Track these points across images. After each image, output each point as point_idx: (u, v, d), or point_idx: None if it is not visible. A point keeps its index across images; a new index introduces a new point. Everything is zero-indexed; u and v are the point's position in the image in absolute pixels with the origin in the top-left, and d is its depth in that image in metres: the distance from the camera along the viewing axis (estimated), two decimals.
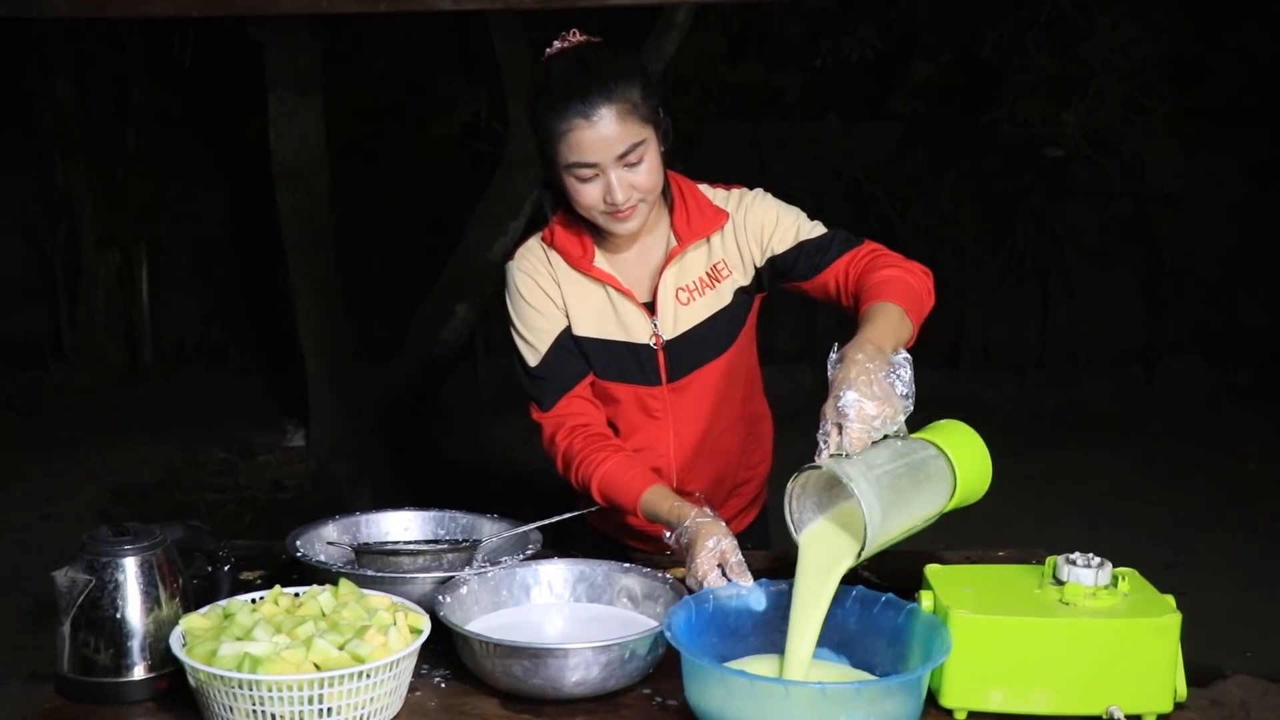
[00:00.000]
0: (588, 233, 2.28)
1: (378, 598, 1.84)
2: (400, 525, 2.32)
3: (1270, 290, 8.42)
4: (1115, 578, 1.79)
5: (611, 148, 2.09)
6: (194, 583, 1.91)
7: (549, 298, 2.29)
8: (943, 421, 1.98)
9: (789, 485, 1.81)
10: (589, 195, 2.14)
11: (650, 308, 2.28)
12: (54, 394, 8.01)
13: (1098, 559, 1.80)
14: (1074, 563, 1.80)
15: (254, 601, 1.83)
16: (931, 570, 1.89)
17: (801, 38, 7.08)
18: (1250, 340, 8.44)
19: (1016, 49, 6.78)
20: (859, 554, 1.73)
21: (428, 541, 2.25)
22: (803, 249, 2.25)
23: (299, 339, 6.28)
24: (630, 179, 2.12)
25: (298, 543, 2.16)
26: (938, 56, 7.41)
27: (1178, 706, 1.76)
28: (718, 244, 2.29)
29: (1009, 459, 7.61)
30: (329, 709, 1.62)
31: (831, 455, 1.76)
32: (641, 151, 2.11)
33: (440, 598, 1.90)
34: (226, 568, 1.96)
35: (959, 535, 5.55)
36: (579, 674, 1.75)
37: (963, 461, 1.91)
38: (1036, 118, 6.94)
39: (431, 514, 2.33)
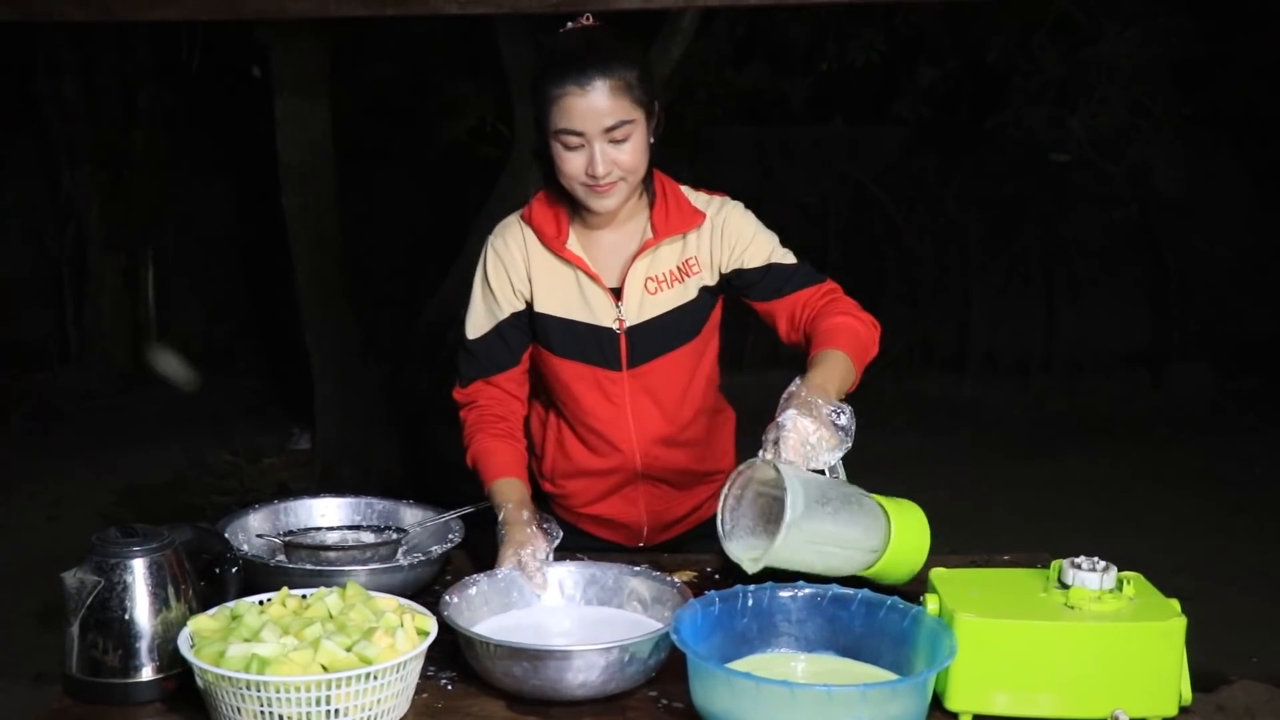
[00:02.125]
0: (566, 213, 2.33)
1: (385, 599, 1.85)
2: (319, 512, 2.36)
3: (1276, 295, 8.41)
4: (1120, 582, 1.80)
5: (600, 119, 2.15)
6: (201, 584, 1.92)
7: (509, 280, 2.35)
8: (896, 498, 2.06)
9: (724, 489, 1.93)
10: (572, 164, 2.20)
11: (617, 294, 2.32)
12: (60, 396, 8.02)
13: (1103, 563, 1.81)
14: (1079, 566, 1.80)
15: (262, 603, 1.84)
16: (937, 574, 1.89)
17: (807, 42, 7.08)
18: (1256, 345, 8.42)
19: (1022, 54, 6.78)
20: (770, 548, 1.82)
21: (351, 528, 2.32)
22: (770, 270, 2.34)
23: (305, 341, 6.29)
24: (614, 155, 2.18)
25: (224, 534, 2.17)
26: (943, 61, 7.41)
27: (1183, 711, 1.77)
28: (693, 241, 2.34)
29: (1014, 463, 7.68)
30: (336, 710, 1.63)
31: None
32: (628, 130, 2.17)
33: (447, 598, 1.92)
34: (234, 569, 1.96)
35: (964, 539, 5.57)
36: (581, 676, 1.76)
37: (900, 520, 1.99)
38: (1042, 122, 6.94)
39: (349, 500, 2.38)
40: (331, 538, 2.28)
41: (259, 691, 1.61)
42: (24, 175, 8.31)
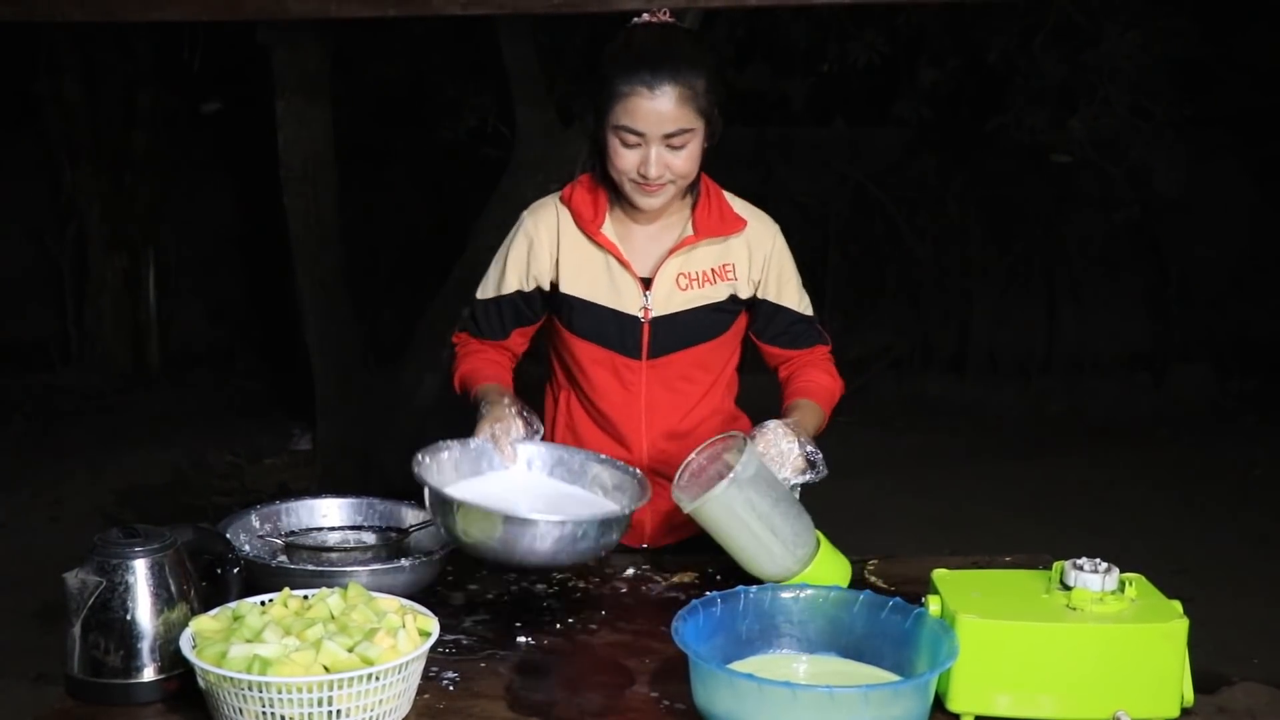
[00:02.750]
0: (606, 199, 2.36)
1: (387, 600, 1.85)
2: (320, 513, 2.36)
3: (1277, 297, 8.41)
4: (1122, 583, 1.80)
5: (662, 124, 2.18)
6: (203, 585, 1.92)
7: (529, 261, 2.39)
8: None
9: (693, 452, 2.09)
10: (626, 160, 2.23)
11: (647, 284, 2.34)
12: (61, 397, 8.02)
13: (1105, 564, 1.81)
14: (1081, 568, 1.80)
15: (263, 604, 1.84)
16: (939, 575, 1.89)
17: (808, 43, 7.07)
18: (1257, 347, 8.42)
19: (1023, 55, 6.77)
20: (710, 494, 1.95)
21: (352, 528, 2.32)
22: (785, 314, 2.44)
23: (306, 342, 6.29)
24: (668, 159, 2.22)
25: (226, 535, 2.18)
26: (945, 62, 7.40)
27: (1184, 712, 1.77)
28: (734, 247, 2.38)
29: (1015, 464, 7.68)
30: (338, 711, 1.63)
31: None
32: (687, 138, 2.21)
33: (420, 457, 2.04)
34: (235, 570, 1.96)
35: (965, 540, 5.57)
36: (536, 544, 1.89)
37: (829, 554, 2.10)
38: (1043, 124, 6.93)
39: (350, 500, 2.38)
40: (333, 538, 2.28)
41: (261, 692, 1.61)
42: (25, 175, 8.32)
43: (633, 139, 2.20)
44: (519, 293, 2.40)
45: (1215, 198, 8.27)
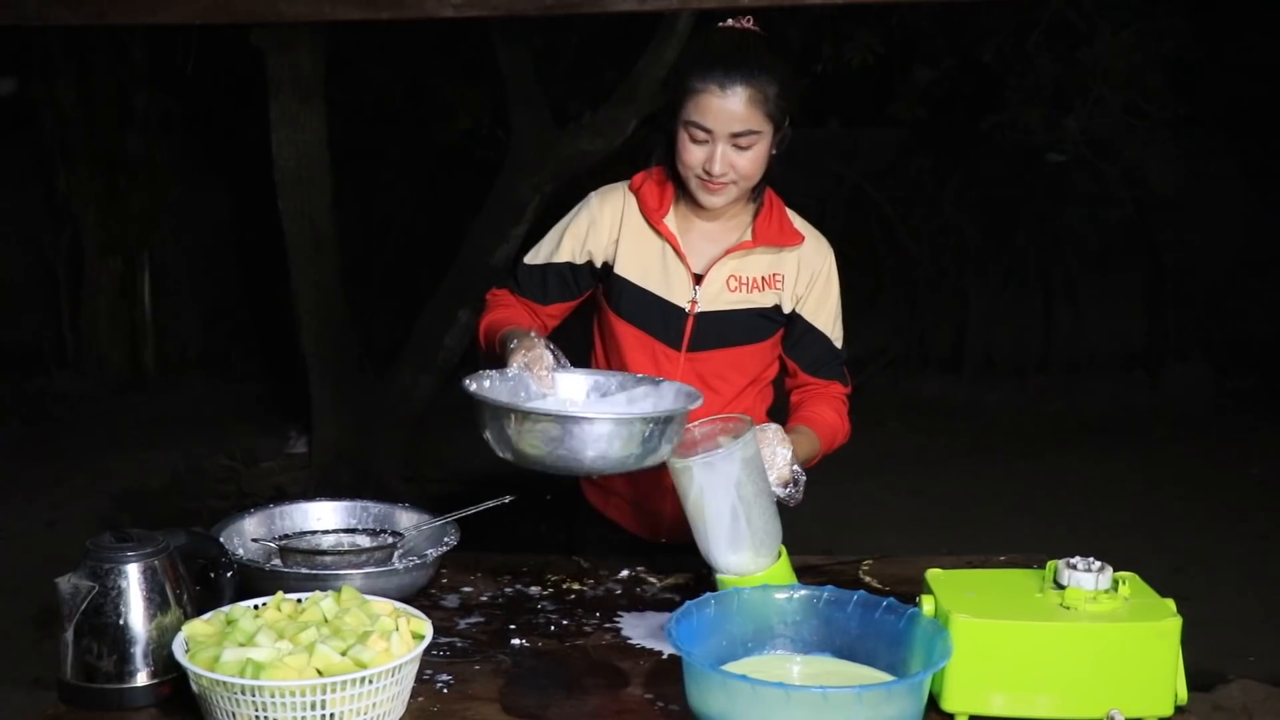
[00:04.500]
0: (672, 193, 2.40)
1: (380, 603, 1.85)
2: (315, 516, 2.35)
3: (1273, 295, 8.42)
4: (1116, 582, 1.80)
5: (730, 123, 2.23)
6: (196, 589, 1.92)
7: (587, 236, 2.42)
8: None
9: (693, 424, 2.09)
10: (693, 155, 2.27)
11: (699, 280, 2.38)
12: (57, 401, 8.02)
13: (1098, 563, 1.81)
14: (1075, 567, 1.80)
15: (256, 607, 1.83)
16: (933, 575, 1.89)
17: (803, 44, 7.07)
18: (1253, 345, 8.44)
19: (1018, 55, 6.78)
20: (707, 456, 1.97)
21: (346, 531, 2.32)
22: (811, 334, 2.45)
23: (301, 345, 6.28)
24: (733, 158, 2.26)
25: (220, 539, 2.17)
26: (939, 62, 7.41)
27: (1178, 710, 1.77)
28: (787, 259, 2.42)
29: (1011, 463, 7.67)
30: (332, 714, 1.62)
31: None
32: (753, 140, 2.25)
33: (468, 382, 2.03)
34: (229, 574, 1.96)
35: (960, 539, 5.57)
36: (601, 446, 1.87)
37: (785, 566, 2.07)
38: (1038, 123, 6.94)
39: (345, 504, 2.38)
40: (327, 541, 2.28)
41: (254, 696, 1.60)
42: (20, 180, 8.31)
43: (701, 135, 2.25)
44: (569, 264, 2.43)
45: (1210, 196, 8.28)
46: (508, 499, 2.28)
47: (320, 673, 1.64)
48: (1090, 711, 1.73)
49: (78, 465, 6.79)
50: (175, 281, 8.66)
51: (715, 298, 2.38)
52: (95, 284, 8.38)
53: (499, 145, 6.53)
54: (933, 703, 1.75)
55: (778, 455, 2.12)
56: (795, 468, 2.14)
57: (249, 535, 2.26)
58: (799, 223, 2.45)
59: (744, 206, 2.41)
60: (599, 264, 2.43)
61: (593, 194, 2.47)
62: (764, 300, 2.40)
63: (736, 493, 1.98)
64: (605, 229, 2.42)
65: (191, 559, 1.93)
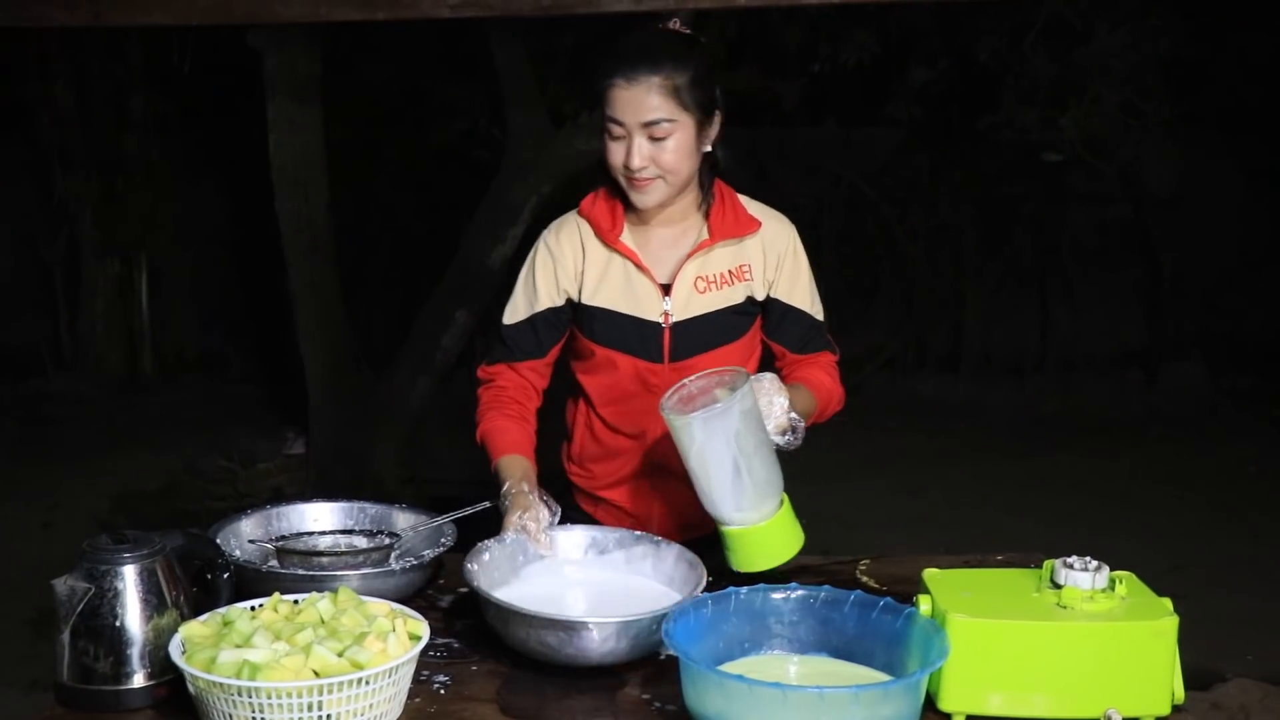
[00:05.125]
0: (621, 208, 2.39)
1: (377, 604, 1.85)
2: (312, 517, 2.36)
3: (1269, 294, 8.42)
4: (1112, 581, 1.80)
5: (639, 112, 2.22)
6: (193, 590, 1.92)
7: (556, 277, 2.40)
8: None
9: (689, 378, 2.14)
10: (614, 154, 2.28)
11: (666, 290, 2.37)
12: (54, 402, 8.01)
13: (1095, 562, 1.81)
14: (1071, 566, 1.80)
15: (253, 609, 1.83)
16: (930, 574, 1.89)
17: (800, 44, 7.08)
18: (1250, 344, 8.44)
19: (1014, 54, 6.78)
20: (709, 409, 2.00)
21: (343, 532, 2.32)
22: (795, 316, 2.45)
23: (299, 346, 6.28)
24: (652, 151, 2.25)
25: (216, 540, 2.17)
26: (936, 62, 7.41)
27: (1176, 709, 1.77)
28: (749, 247, 2.41)
29: (1008, 463, 7.67)
30: (328, 715, 1.62)
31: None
32: (669, 129, 2.24)
33: (469, 565, 2.01)
34: (225, 575, 1.96)
35: (957, 539, 5.57)
36: (610, 644, 1.84)
37: (787, 515, 2.13)
38: (1035, 123, 6.95)
39: (341, 505, 2.38)
40: (324, 542, 2.28)
41: (251, 697, 1.60)
42: (16, 181, 8.31)
43: (617, 130, 2.25)
44: (551, 309, 2.41)
45: (1206, 195, 8.28)
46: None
47: (317, 674, 1.64)
48: (1087, 711, 1.73)
49: (75, 466, 6.79)
50: (172, 283, 8.65)
51: (687, 304, 2.36)
52: (92, 285, 8.37)
53: (496, 146, 6.53)
54: (930, 702, 1.75)
55: (774, 404, 2.13)
56: (793, 415, 2.15)
57: (246, 536, 2.26)
58: (754, 207, 2.44)
59: (694, 205, 2.39)
60: (575, 298, 2.41)
61: (545, 232, 2.45)
62: (736, 295, 2.39)
63: (737, 444, 2.00)
64: (570, 262, 2.39)
65: (188, 560, 1.93)
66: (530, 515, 2.16)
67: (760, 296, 2.42)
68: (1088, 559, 1.82)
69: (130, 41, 7.94)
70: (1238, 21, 7.11)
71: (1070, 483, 6.65)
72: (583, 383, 2.49)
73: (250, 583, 2.02)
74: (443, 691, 1.85)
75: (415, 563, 2.11)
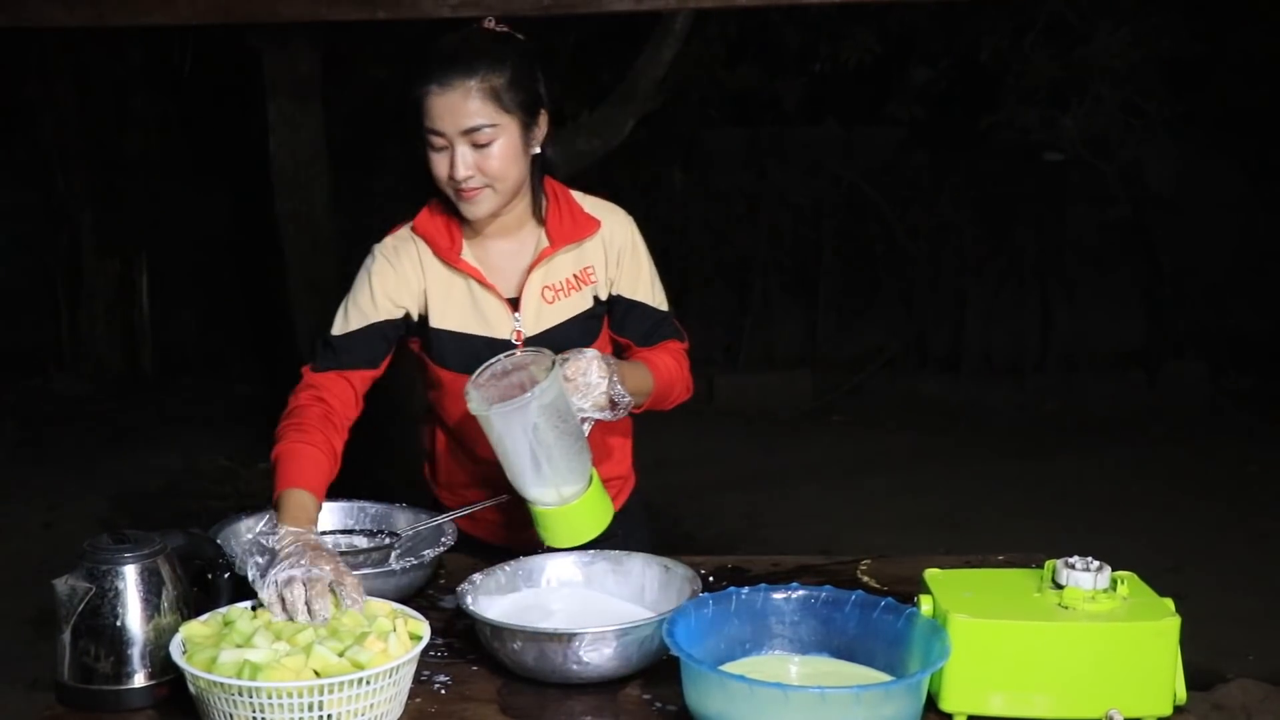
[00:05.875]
0: (456, 223, 2.29)
1: (377, 604, 1.84)
2: None
3: (1270, 294, 8.43)
4: (1114, 581, 1.79)
5: (458, 119, 2.12)
6: (194, 590, 1.91)
7: (394, 290, 2.28)
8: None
9: (500, 355, 2.11)
10: (438, 167, 2.18)
11: (514, 304, 2.29)
12: (54, 402, 8.02)
13: (1097, 563, 1.80)
14: (1073, 566, 1.80)
15: (254, 609, 1.83)
16: (931, 574, 1.89)
17: (800, 43, 7.08)
18: (1250, 344, 8.44)
19: (1015, 54, 6.78)
20: (501, 406, 1.97)
21: (344, 531, 2.31)
22: (638, 310, 2.36)
23: (299, 346, 6.27)
24: (477, 160, 2.15)
25: (218, 540, 2.15)
26: (936, 61, 7.42)
27: (1177, 710, 1.76)
28: (590, 249, 2.32)
29: (1009, 463, 7.67)
30: (329, 715, 1.62)
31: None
32: (491, 135, 2.13)
33: (462, 589, 1.97)
34: (226, 575, 1.96)
35: (959, 539, 5.57)
36: (599, 654, 1.81)
37: (595, 495, 2.13)
38: (1035, 122, 6.95)
39: (341, 504, 2.37)
40: (324, 542, 2.27)
41: (251, 697, 1.60)
42: (17, 181, 8.32)
43: (438, 141, 2.15)
44: (389, 321, 2.28)
45: (1207, 195, 8.29)
46: (505, 498, 2.27)
47: (318, 674, 1.64)
48: (1089, 711, 1.73)
49: (75, 466, 6.80)
50: (173, 283, 8.66)
51: (537, 317, 2.28)
52: (93, 285, 8.38)
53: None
54: (931, 703, 1.74)
55: (593, 383, 2.07)
56: (617, 388, 2.09)
57: (246, 536, 2.26)
58: (590, 204, 2.34)
59: (527, 212, 2.29)
60: (415, 316, 2.30)
61: (378, 246, 2.33)
62: (584, 300, 2.31)
63: (535, 436, 1.99)
64: (412, 278, 2.28)
65: (189, 560, 1.93)
66: (302, 573, 1.83)
67: (605, 296, 2.34)
68: (1089, 559, 1.81)
69: (130, 41, 7.94)
70: (1239, 21, 7.11)
71: (1071, 482, 6.65)
72: (440, 410, 2.40)
73: (250, 582, 2.01)
74: (443, 691, 1.85)
75: (415, 563, 2.11)
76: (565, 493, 2.07)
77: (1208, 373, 8.36)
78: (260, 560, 1.90)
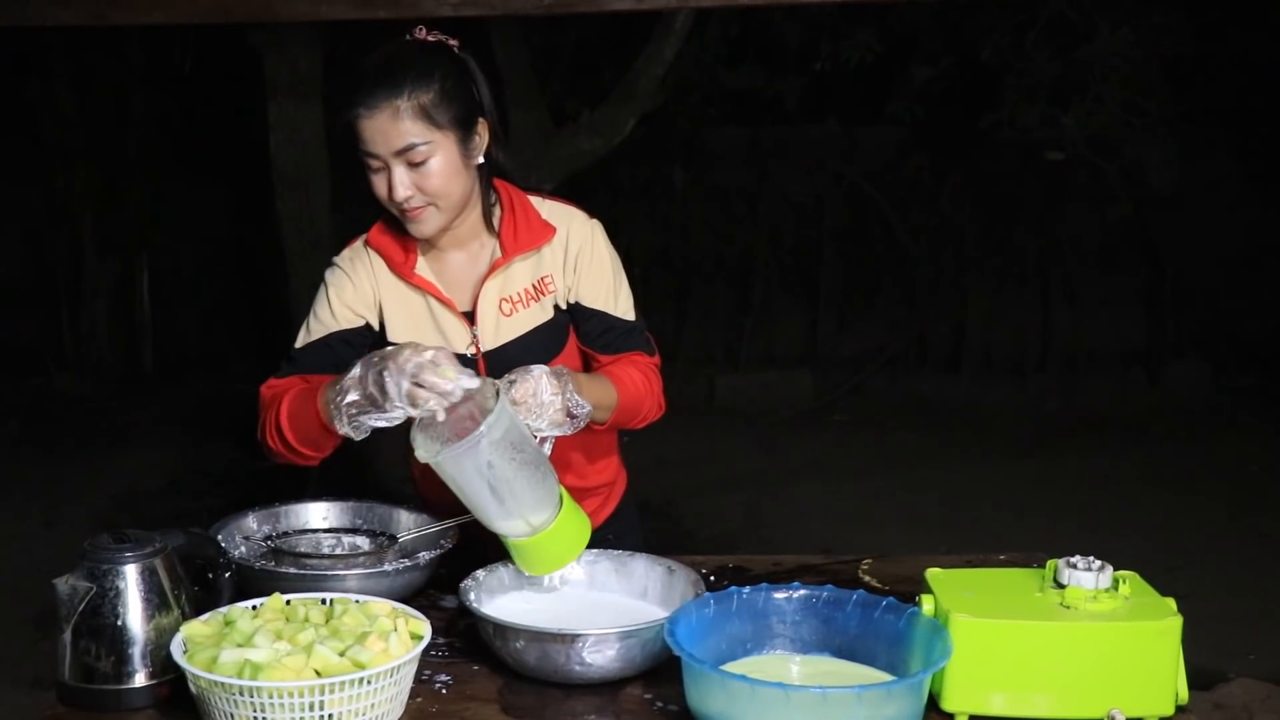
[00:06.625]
0: (411, 238, 2.23)
1: (378, 604, 1.84)
2: (319, 515, 2.34)
3: (1271, 293, 8.43)
4: (1116, 581, 1.79)
5: (388, 141, 2.07)
6: (195, 590, 1.91)
7: (352, 302, 2.25)
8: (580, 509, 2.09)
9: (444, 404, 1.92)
10: (378, 188, 2.13)
11: (470, 317, 2.24)
12: (55, 401, 8.02)
13: (1098, 562, 1.80)
14: (1075, 566, 1.80)
15: (255, 608, 1.83)
16: (932, 574, 1.89)
17: (801, 42, 7.08)
18: (1252, 343, 8.44)
19: (1016, 52, 6.78)
20: (449, 448, 1.86)
21: (346, 530, 2.31)
22: (597, 317, 2.27)
23: None
24: (415, 179, 2.10)
25: (220, 537, 2.15)
26: (938, 60, 7.41)
27: (1179, 710, 1.76)
28: (547, 257, 2.26)
29: (1010, 462, 7.67)
30: (330, 715, 1.62)
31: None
32: (426, 153, 2.08)
33: (465, 586, 1.97)
34: (227, 574, 1.96)
35: (960, 539, 5.57)
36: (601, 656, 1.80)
37: (569, 518, 2.01)
38: (1037, 121, 6.94)
39: (349, 504, 2.36)
40: (326, 542, 2.27)
41: (252, 697, 1.60)
42: (18, 180, 8.32)
43: (374, 163, 2.10)
44: (350, 330, 2.25)
45: (1209, 194, 8.28)
46: None
47: (318, 673, 1.64)
48: (1091, 711, 1.73)
49: (76, 465, 6.80)
50: (174, 282, 8.66)
51: (495, 330, 2.23)
52: (94, 285, 8.38)
53: (497, 144, 6.52)
54: (932, 702, 1.74)
55: (545, 402, 1.97)
56: (574, 399, 2.00)
57: (248, 535, 2.26)
58: (548, 209, 2.27)
59: (480, 223, 2.24)
60: (376, 326, 2.26)
61: (336, 259, 2.29)
62: (544, 310, 2.25)
63: (492, 474, 1.90)
64: (368, 290, 2.24)
65: (189, 559, 1.93)
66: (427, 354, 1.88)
67: (564, 304, 2.27)
68: (1091, 559, 1.81)
69: (131, 41, 7.94)
70: (1240, 20, 7.11)
71: (1072, 482, 6.65)
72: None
73: (252, 582, 2.01)
74: (444, 691, 1.85)
75: (409, 564, 2.10)
76: (535, 521, 1.98)
77: (1208, 372, 8.36)
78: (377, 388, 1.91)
